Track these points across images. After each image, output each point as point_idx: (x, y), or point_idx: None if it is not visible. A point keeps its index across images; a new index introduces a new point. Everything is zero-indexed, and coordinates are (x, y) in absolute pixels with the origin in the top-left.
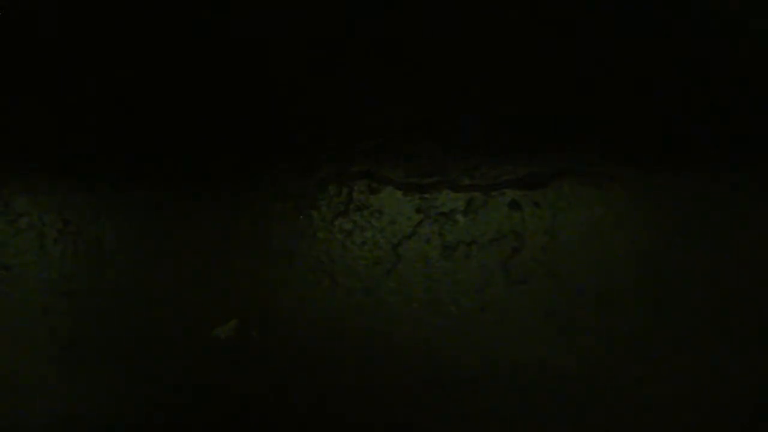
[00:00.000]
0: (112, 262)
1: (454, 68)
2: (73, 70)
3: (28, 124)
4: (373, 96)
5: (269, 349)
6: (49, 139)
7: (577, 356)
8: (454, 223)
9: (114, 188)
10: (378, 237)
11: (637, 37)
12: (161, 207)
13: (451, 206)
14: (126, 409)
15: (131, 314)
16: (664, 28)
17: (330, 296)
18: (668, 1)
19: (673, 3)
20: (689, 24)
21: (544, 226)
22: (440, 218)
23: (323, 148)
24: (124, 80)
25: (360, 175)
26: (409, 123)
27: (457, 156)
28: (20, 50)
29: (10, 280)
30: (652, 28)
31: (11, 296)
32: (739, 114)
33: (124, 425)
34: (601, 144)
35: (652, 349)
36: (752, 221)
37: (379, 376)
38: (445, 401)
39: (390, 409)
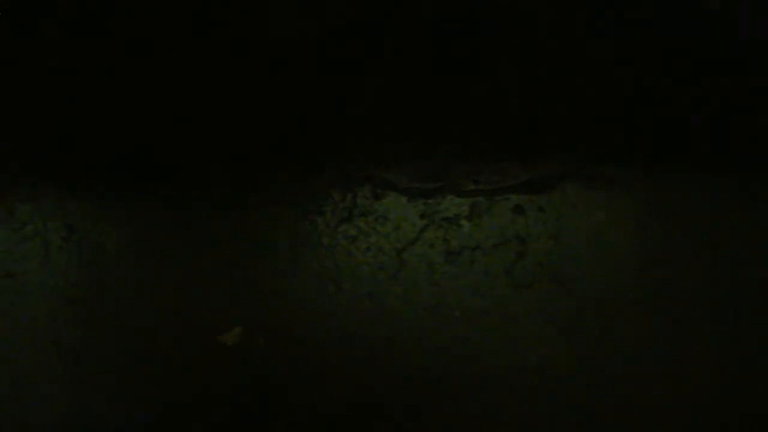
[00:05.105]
0: (117, 269)
1: (456, 70)
2: (77, 76)
3: (32, 131)
4: (378, 100)
5: (274, 355)
6: (54, 147)
7: (581, 360)
8: (459, 228)
9: (119, 195)
10: (382, 242)
11: (637, 38)
12: (166, 214)
13: (456, 211)
14: (132, 416)
15: (137, 321)
16: (663, 27)
17: (334, 302)
18: (668, 1)
19: (673, 3)
20: (689, 23)
21: (549, 230)
22: (444, 223)
23: (328, 153)
24: (127, 86)
25: (364, 181)
26: (413, 127)
27: (461, 160)
28: (20, 54)
29: (16, 287)
30: (651, 28)
31: (16, 304)
32: (742, 115)
33: None
34: (606, 147)
35: (657, 354)
36: (756, 223)
37: (383, 380)
38: (449, 405)
39: (394, 412)
